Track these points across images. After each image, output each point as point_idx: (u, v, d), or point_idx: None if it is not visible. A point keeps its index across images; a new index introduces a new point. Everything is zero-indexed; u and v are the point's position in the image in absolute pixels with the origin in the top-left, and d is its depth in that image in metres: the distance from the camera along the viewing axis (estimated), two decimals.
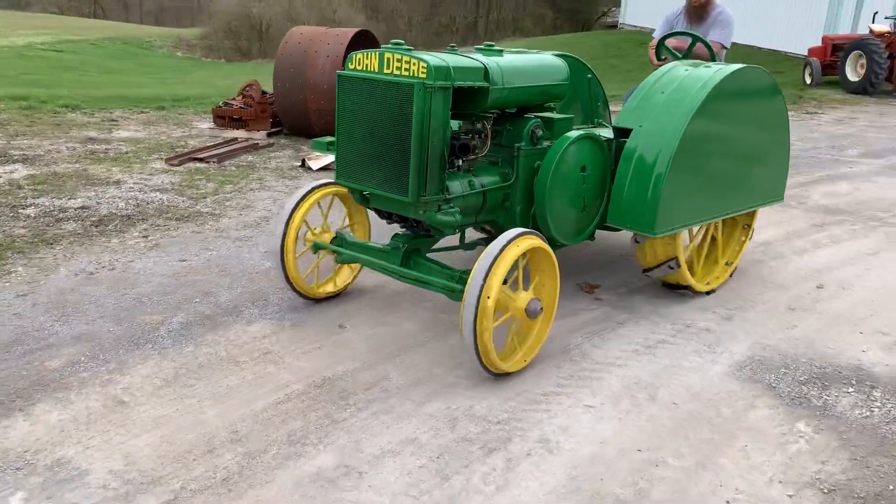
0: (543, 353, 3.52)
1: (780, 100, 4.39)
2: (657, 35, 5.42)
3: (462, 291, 3.13)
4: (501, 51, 3.70)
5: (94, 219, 5.32)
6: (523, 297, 3.20)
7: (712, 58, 4.76)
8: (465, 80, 3.25)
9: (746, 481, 2.64)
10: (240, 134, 8.82)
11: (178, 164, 7.20)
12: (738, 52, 26.14)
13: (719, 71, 3.87)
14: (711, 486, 2.61)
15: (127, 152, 7.68)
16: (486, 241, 4.08)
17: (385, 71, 3.16)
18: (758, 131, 4.26)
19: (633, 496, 2.53)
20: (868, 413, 3.14)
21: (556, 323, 3.89)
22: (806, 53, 18.83)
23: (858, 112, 13.80)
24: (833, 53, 17.57)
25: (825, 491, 2.60)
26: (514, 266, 3.16)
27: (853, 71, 16.54)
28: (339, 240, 3.84)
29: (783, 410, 3.12)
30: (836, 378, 3.43)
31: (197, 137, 8.76)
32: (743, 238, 4.65)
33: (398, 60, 3.13)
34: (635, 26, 37.76)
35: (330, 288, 4.08)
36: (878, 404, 3.21)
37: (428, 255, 3.70)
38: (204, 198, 6.02)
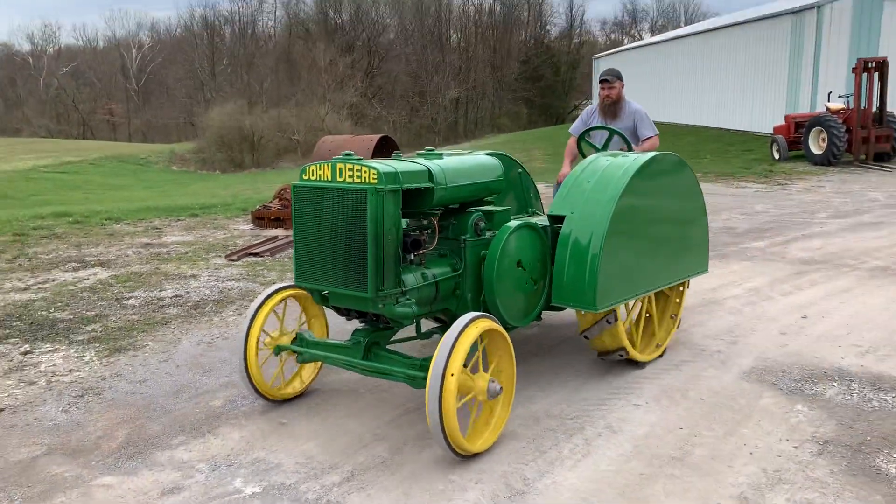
0: (595, 372, 4.48)
1: (694, 180, 4.82)
2: (574, 131, 6.11)
3: (424, 379, 3.34)
4: (441, 154, 4.11)
5: (189, 304, 6.28)
6: (483, 379, 3.40)
7: (629, 149, 5.31)
8: (412, 182, 3.59)
9: (763, 441, 3.58)
10: (279, 232, 9.89)
11: (237, 259, 8.21)
12: (709, 133, 28.05)
13: (636, 159, 4.30)
14: (738, 445, 3.54)
15: (186, 252, 8.70)
16: (441, 330, 4.27)
17: (339, 179, 3.46)
18: (677, 209, 4.71)
19: (682, 455, 3.46)
20: (849, 397, 4.10)
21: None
22: (772, 132, 20.51)
23: (824, 181, 15.17)
24: (796, 130, 19.21)
25: (820, 443, 3.55)
26: (473, 349, 3.38)
27: (816, 145, 18.11)
28: (299, 340, 4.02)
29: (784, 398, 4.08)
30: (823, 377, 4.40)
31: (241, 237, 9.81)
32: (682, 289, 5.02)
33: (350, 169, 3.44)
34: None
35: (296, 387, 4.20)
36: (857, 391, 4.17)
37: (387, 346, 3.93)
38: (273, 283, 7.00)
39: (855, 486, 3.16)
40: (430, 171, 3.74)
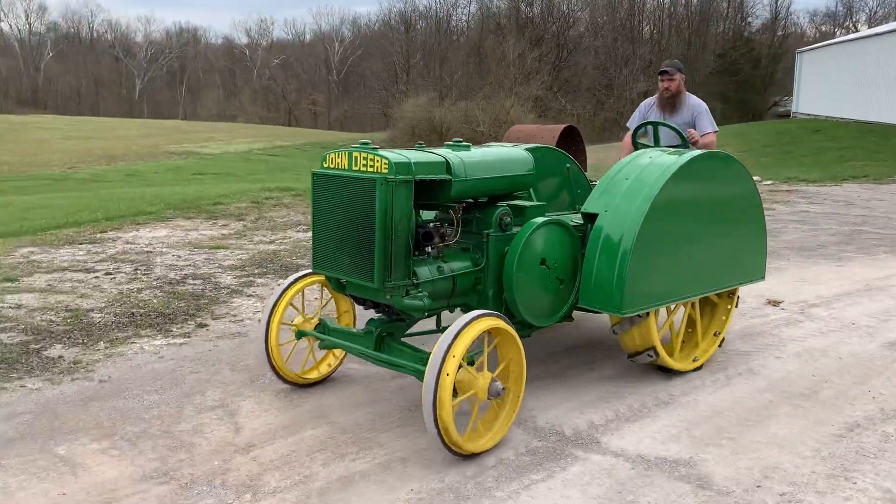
0: (748, 332, 5.14)
1: (748, 181, 4.50)
2: (631, 125, 5.76)
3: None
4: (468, 146, 3.94)
5: None
6: (485, 377, 3.32)
7: (684, 144, 4.84)
8: (426, 173, 3.52)
9: (888, 391, 4.16)
10: None
11: None
12: (875, 129, 26.23)
13: (681, 157, 4.07)
14: (863, 391, 4.15)
15: None
16: None
17: (353, 168, 3.47)
18: (726, 212, 4.38)
19: (810, 393, 4.14)
20: None
21: (755, 319, 5.49)
22: None
23: None
24: None
25: None
26: (481, 349, 3.35)
27: None
28: (321, 326, 3.98)
29: None
30: None
31: None
32: (729, 307, 4.72)
33: (364, 158, 3.43)
34: (809, 114, 37.88)
35: (314, 374, 4.20)
36: None
37: (403, 338, 3.89)
38: None
39: None
40: (448, 163, 3.65)
